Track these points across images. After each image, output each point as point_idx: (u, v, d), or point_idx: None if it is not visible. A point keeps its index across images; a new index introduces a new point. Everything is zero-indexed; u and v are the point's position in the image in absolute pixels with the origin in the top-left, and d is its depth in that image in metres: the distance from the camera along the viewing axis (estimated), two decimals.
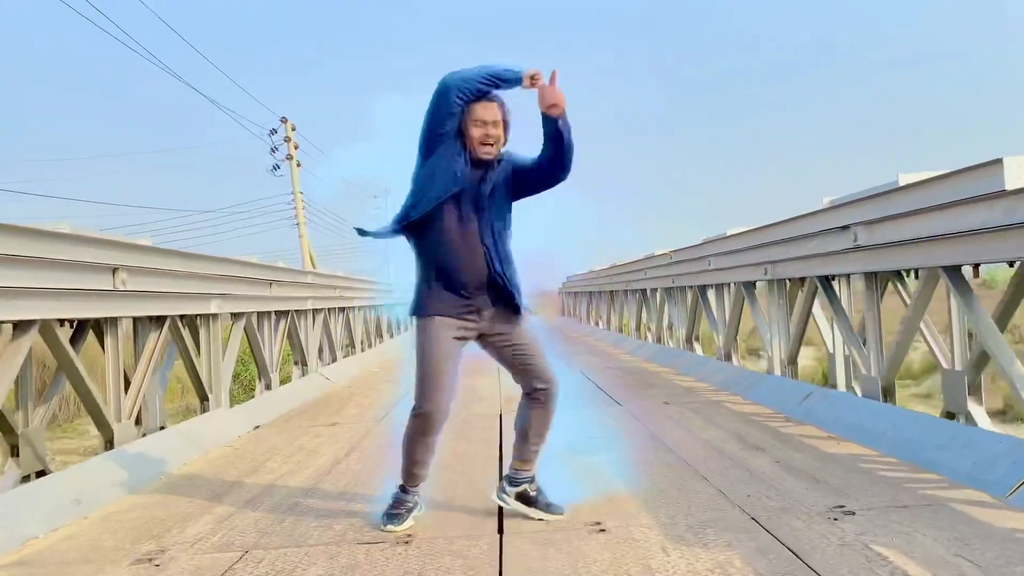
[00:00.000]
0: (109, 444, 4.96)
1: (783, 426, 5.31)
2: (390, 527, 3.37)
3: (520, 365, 3.41)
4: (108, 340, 5.16)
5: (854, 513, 3.25)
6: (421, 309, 3.35)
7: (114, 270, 4.93)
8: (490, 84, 3.20)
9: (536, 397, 3.42)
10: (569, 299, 24.11)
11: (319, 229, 58.79)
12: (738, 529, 3.14)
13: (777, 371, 6.84)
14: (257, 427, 6.64)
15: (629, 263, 13.40)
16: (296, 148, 34.71)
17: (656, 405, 6.60)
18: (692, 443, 4.90)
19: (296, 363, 9.88)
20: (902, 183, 4.58)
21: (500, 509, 3.50)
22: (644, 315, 12.90)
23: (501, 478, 3.61)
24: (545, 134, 3.26)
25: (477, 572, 2.82)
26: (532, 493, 3.46)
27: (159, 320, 5.73)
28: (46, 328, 4.38)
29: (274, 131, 34.57)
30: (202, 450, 5.50)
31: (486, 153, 3.24)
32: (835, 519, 3.19)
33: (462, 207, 3.25)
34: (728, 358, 8.33)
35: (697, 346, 10.06)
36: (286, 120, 34.62)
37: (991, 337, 4.00)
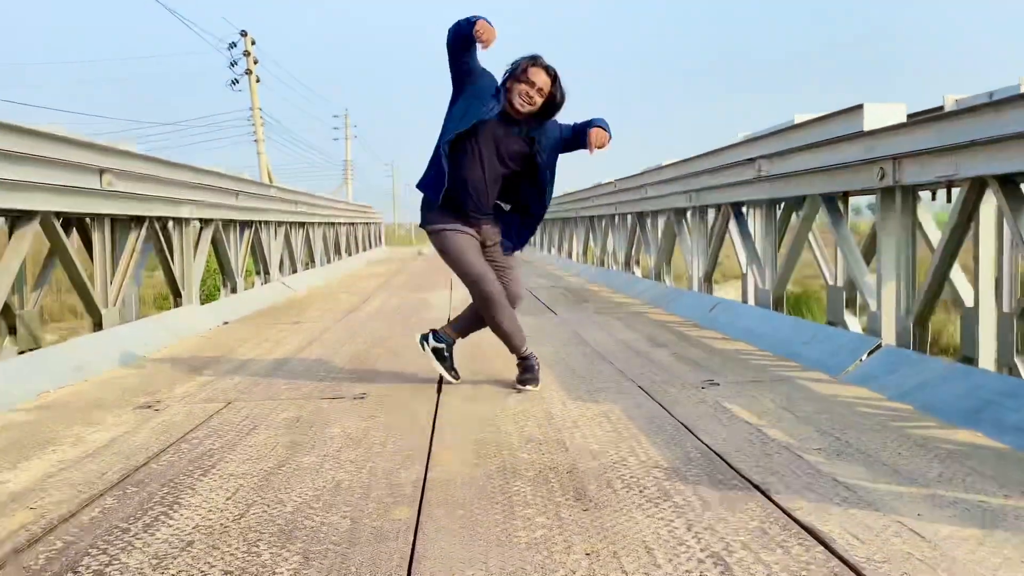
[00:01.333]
0: (98, 326, 5.61)
1: (690, 331, 6.16)
2: (529, 387, 4.05)
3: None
4: (95, 235, 5.76)
5: (719, 385, 4.09)
6: (434, 223, 4.02)
7: (101, 171, 5.50)
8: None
9: None
10: None
11: (277, 145, 58.01)
12: (625, 392, 3.96)
13: (696, 288, 7.69)
14: (226, 323, 7.32)
15: (578, 191, 14.13)
16: (256, 63, 34.34)
17: (587, 314, 7.42)
18: (608, 341, 5.72)
19: (258, 273, 10.52)
20: (797, 122, 5.33)
21: (439, 382, 4.27)
22: (592, 241, 13.70)
23: (431, 330, 4.32)
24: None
25: (418, 416, 3.59)
26: (446, 354, 4.23)
27: (139, 221, 6.32)
28: (44, 220, 4.97)
29: (233, 44, 34.10)
30: (177, 337, 6.18)
31: (517, 109, 3.79)
32: (703, 388, 4.02)
33: (487, 147, 3.85)
34: (659, 277, 9.17)
35: (637, 270, 10.90)
36: (246, 34, 34.12)
37: (850, 253, 4.83)
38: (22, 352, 5.42)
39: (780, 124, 5.63)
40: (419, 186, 4.03)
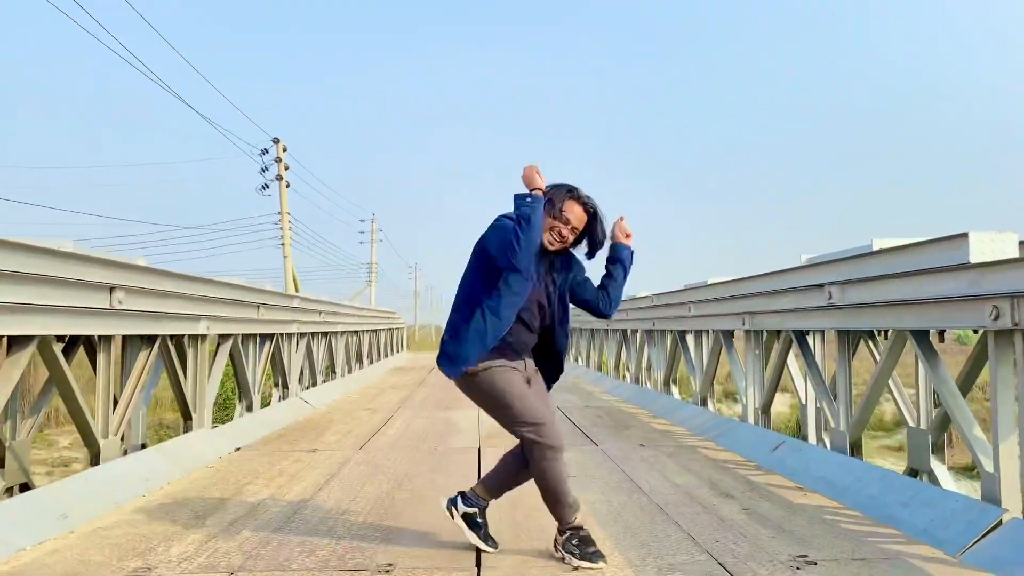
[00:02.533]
0: (95, 459, 5.04)
1: (753, 474, 5.47)
2: (600, 564, 3.36)
3: None
4: (100, 357, 5.27)
5: (816, 563, 3.41)
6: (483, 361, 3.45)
7: (111, 289, 5.05)
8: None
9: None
10: None
11: (302, 249, 58.65)
12: (705, 573, 3.29)
13: (751, 419, 7.03)
14: (238, 449, 6.72)
15: None
16: (287, 169, 34.86)
17: (632, 447, 6.75)
18: (665, 488, 5.05)
19: (276, 385, 9.98)
20: (876, 248, 4.81)
21: (477, 549, 3.62)
22: (624, 355, 13.08)
23: (459, 493, 3.71)
24: (615, 260, 3.60)
25: None
26: (479, 520, 3.61)
27: (150, 339, 5.84)
28: (43, 343, 4.49)
29: (265, 151, 34.71)
30: (184, 470, 5.58)
31: (550, 244, 3.44)
32: (797, 568, 3.35)
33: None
34: (704, 403, 8.51)
35: (675, 388, 10.25)
36: (278, 141, 34.76)
37: (952, 400, 4.20)
38: (9, 488, 4.86)
39: (855, 249, 5.11)
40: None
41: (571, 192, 3.44)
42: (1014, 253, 3.74)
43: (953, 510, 3.80)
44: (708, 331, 8.49)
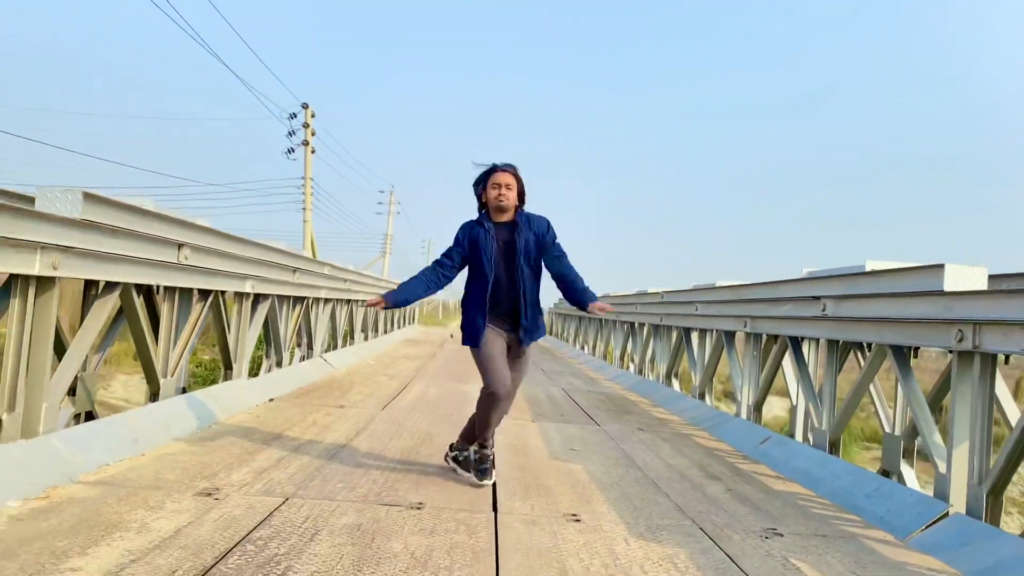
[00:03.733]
0: (154, 396, 5.65)
1: (740, 462, 6.05)
2: (485, 481, 4.49)
3: None
4: (165, 306, 5.86)
5: (782, 535, 3.99)
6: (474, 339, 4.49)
7: (180, 245, 5.64)
8: None
9: None
10: (559, 320, 24.87)
11: (321, 214, 59.29)
12: (687, 534, 3.87)
13: (744, 415, 7.60)
14: (272, 399, 7.34)
15: (621, 295, 14.16)
16: (313, 135, 35.37)
17: (631, 430, 7.34)
18: (659, 465, 5.64)
19: (299, 346, 10.60)
20: (868, 268, 5.35)
21: (494, 491, 4.26)
22: (630, 346, 13.66)
23: (448, 446, 4.91)
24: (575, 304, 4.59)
25: (478, 536, 3.54)
26: (461, 457, 4.69)
27: (204, 294, 6.43)
28: (124, 290, 5.08)
29: (294, 115, 35.21)
30: (227, 413, 6.20)
31: (499, 210, 4.42)
32: (766, 537, 3.93)
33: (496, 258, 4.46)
34: (703, 397, 9.08)
35: (675, 382, 10.82)
36: (307, 106, 35.26)
37: (919, 410, 4.77)
38: (78, 415, 5.47)
39: (849, 267, 5.65)
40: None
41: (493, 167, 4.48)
42: (983, 286, 4.28)
43: (907, 503, 4.38)
44: (712, 330, 9.04)
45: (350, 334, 13.87)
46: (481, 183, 4.49)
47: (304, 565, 2.97)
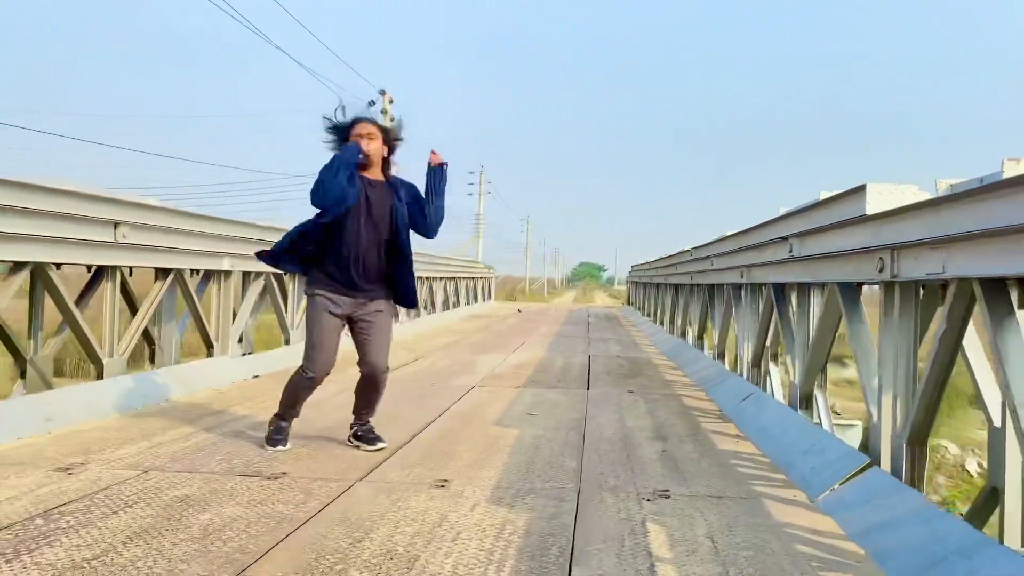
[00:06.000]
0: (99, 375, 5.69)
1: (709, 422, 5.57)
2: (276, 448, 4.30)
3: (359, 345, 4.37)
4: (108, 286, 5.88)
5: (669, 497, 3.57)
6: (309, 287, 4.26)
7: (116, 224, 5.62)
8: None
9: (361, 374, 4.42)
10: (633, 289, 24.26)
11: None
12: (554, 498, 3.51)
13: (744, 372, 7.04)
14: (256, 376, 7.32)
15: (668, 256, 13.56)
16: (392, 121, 35.72)
17: (619, 393, 6.92)
18: (609, 428, 5.24)
19: None
20: (821, 198, 4.76)
21: (375, 468, 4.02)
22: (676, 310, 13.06)
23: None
24: (430, 184, 4.30)
25: (309, 504, 3.30)
26: (359, 432, 4.49)
27: (164, 272, 6.44)
28: (41, 271, 5.10)
29: (372, 103, 35.65)
30: (188, 391, 6.19)
31: (362, 164, 4.10)
32: (647, 499, 3.52)
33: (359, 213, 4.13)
34: (721, 357, 8.51)
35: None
36: (384, 92, 35.65)
37: (861, 352, 4.18)
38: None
39: (807, 202, 5.06)
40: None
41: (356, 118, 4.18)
42: (902, 205, 3.69)
43: (832, 459, 3.85)
44: (723, 285, 8.45)
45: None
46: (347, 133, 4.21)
47: (70, 540, 2.81)
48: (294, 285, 9.11)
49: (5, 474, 3.66)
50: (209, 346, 7.31)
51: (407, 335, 12.89)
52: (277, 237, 8.49)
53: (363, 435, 4.46)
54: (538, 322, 18.07)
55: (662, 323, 15.42)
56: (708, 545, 2.92)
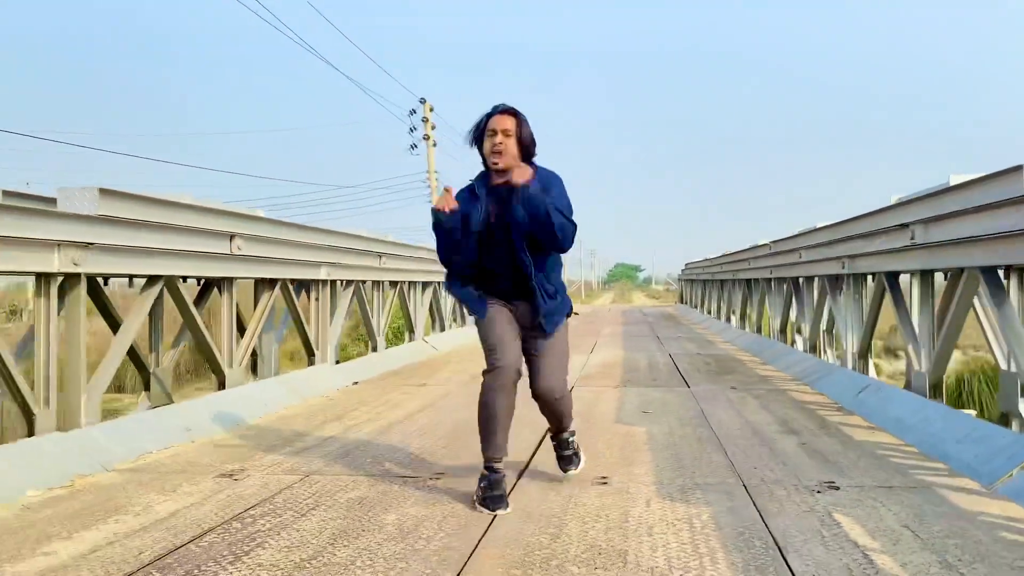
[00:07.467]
0: (221, 385, 5.79)
1: (831, 415, 5.50)
2: (496, 511, 3.23)
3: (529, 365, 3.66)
4: (224, 298, 5.98)
5: (839, 488, 3.53)
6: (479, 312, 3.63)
7: (231, 236, 5.73)
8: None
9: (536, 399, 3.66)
10: (687, 287, 24.08)
11: None
12: (723, 492, 3.49)
13: (849, 365, 6.94)
14: (356, 383, 7.40)
15: (736, 252, 13.45)
16: (433, 128, 35.93)
17: (722, 389, 6.87)
18: (734, 423, 5.20)
19: (410, 330, 10.73)
20: (952, 183, 4.69)
21: (529, 461, 4.03)
22: (748, 306, 12.94)
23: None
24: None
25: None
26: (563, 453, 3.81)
27: (271, 282, 6.54)
28: (171, 285, 5.21)
29: (413, 111, 35.91)
30: (301, 398, 6.27)
31: (494, 163, 3.35)
32: (818, 491, 3.48)
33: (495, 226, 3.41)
34: (813, 350, 8.42)
35: (799, 339, 10.06)
36: (424, 101, 35.89)
37: (1016, 340, 4.10)
38: (155, 407, 5.69)
39: (934, 187, 4.98)
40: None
41: (488, 114, 3.42)
42: None
43: (1000, 445, 3.77)
44: (815, 277, 8.35)
45: (462, 316, 13.93)
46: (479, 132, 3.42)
47: (279, 541, 2.86)
48: (378, 295, 9.21)
49: (176, 481, 3.74)
50: (311, 354, 7.40)
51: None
52: (371, 246, 8.73)
53: (556, 454, 3.86)
54: (597, 323, 18.00)
55: (729, 319, 15.28)
56: (908, 534, 2.88)
